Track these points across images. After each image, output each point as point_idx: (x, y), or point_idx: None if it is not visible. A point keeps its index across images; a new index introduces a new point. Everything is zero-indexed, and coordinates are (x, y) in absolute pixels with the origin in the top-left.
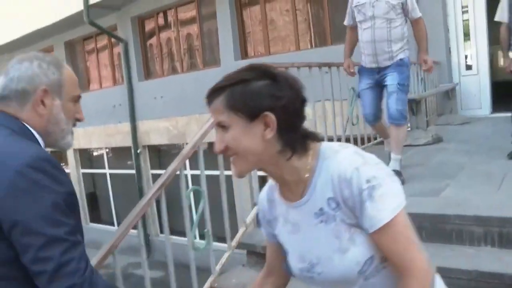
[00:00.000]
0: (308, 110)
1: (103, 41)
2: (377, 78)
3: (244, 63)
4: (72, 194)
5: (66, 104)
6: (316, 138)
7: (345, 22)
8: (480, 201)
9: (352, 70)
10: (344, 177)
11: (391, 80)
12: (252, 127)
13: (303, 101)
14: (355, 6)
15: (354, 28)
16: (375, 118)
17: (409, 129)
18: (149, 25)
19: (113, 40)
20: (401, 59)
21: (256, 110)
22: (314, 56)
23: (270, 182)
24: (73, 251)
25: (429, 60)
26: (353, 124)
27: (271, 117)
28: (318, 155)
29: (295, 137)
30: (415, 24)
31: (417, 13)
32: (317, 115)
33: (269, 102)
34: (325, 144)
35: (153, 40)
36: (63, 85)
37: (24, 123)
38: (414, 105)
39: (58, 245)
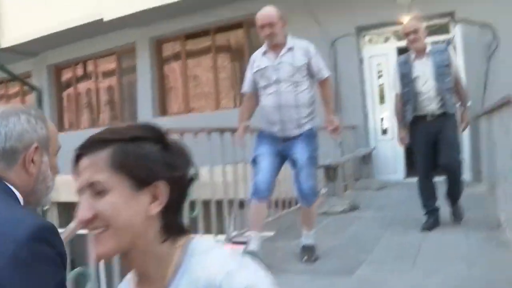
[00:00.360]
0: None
1: (14, 87)
2: (281, 148)
3: (162, 120)
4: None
5: (52, 159)
6: (187, 230)
7: (243, 89)
8: (395, 281)
9: (243, 138)
10: (212, 284)
11: (300, 153)
12: (138, 196)
13: (191, 179)
14: (257, 71)
15: (252, 95)
16: (267, 188)
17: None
18: (67, 75)
19: (26, 87)
20: (309, 129)
21: (149, 177)
22: (235, 116)
23: (127, 277)
24: None
25: (335, 120)
26: None
27: (163, 189)
28: (186, 250)
29: (177, 219)
30: (323, 84)
31: (325, 74)
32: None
33: (164, 171)
34: (197, 239)
35: (70, 91)
36: (49, 140)
37: (7, 182)
38: (331, 172)
39: None
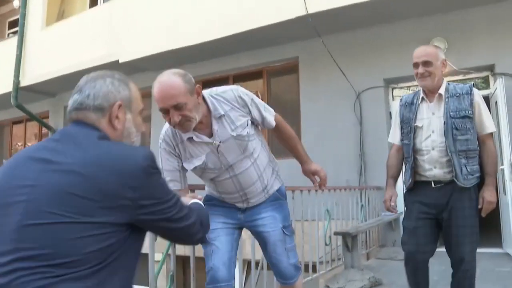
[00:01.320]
0: None
1: (33, 127)
2: (242, 219)
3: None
4: None
5: (136, 117)
6: None
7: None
8: None
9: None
10: None
11: (272, 224)
12: None
13: None
14: (192, 169)
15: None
16: (228, 273)
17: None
18: None
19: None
20: (278, 190)
21: None
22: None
23: None
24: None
25: (319, 169)
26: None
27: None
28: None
29: None
30: (276, 129)
31: (272, 118)
32: None
33: None
34: None
35: None
36: (132, 100)
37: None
38: (349, 240)
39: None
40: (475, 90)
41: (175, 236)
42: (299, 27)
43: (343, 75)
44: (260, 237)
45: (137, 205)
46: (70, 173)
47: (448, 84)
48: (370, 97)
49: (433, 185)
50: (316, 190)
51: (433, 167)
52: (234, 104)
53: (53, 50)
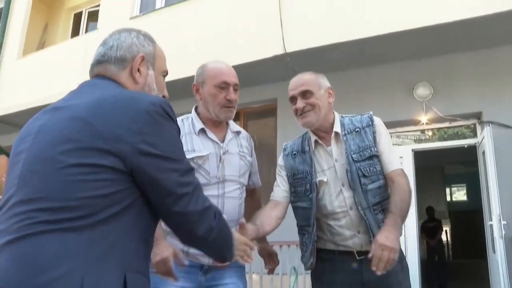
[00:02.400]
0: None
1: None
2: (203, 283)
3: None
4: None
5: (158, 76)
6: None
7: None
8: None
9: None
10: None
11: None
12: None
13: None
14: (189, 157)
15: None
16: None
17: None
18: None
19: None
20: None
21: None
22: None
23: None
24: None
25: (275, 254)
26: None
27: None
28: None
29: None
30: (253, 193)
31: (259, 179)
32: None
33: None
34: None
35: None
36: (156, 58)
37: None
38: None
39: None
40: (376, 119)
41: (177, 214)
42: (278, 67)
43: None
44: None
45: (135, 150)
46: (73, 118)
47: (342, 117)
48: None
49: (357, 257)
50: (289, 246)
51: (356, 233)
52: (247, 141)
53: (28, 80)
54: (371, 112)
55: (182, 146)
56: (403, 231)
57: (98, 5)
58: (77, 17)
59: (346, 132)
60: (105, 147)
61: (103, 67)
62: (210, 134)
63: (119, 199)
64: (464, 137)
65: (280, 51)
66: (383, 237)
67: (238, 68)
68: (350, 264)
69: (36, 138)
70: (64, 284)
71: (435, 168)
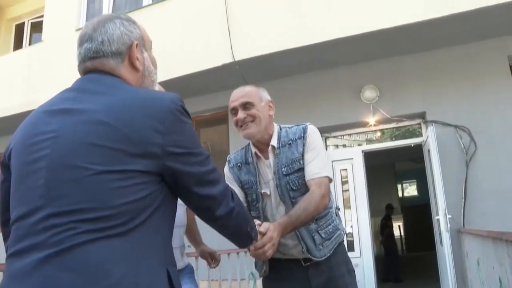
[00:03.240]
0: None
1: None
2: None
3: None
4: None
5: (150, 54)
6: None
7: None
8: None
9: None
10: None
11: None
12: None
13: None
14: None
15: None
16: None
17: None
18: None
19: None
20: (189, 264)
21: None
22: None
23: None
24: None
25: (215, 251)
26: None
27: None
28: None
29: None
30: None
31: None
32: None
33: None
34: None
35: None
36: (144, 37)
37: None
38: None
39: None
40: (310, 128)
41: (204, 197)
42: (228, 75)
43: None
44: None
45: (165, 151)
46: (95, 122)
47: (280, 129)
48: None
49: (303, 263)
50: (245, 252)
51: (298, 242)
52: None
53: None
54: (308, 123)
55: (197, 136)
56: (356, 227)
57: (41, 16)
58: (19, 28)
59: (280, 145)
60: (135, 151)
61: (100, 62)
62: None
63: (152, 200)
64: (411, 136)
65: (229, 60)
66: (266, 226)
67: (189, 78)
68: (297, 272)
69: (56, 144)
70: None
71: (386, 165)
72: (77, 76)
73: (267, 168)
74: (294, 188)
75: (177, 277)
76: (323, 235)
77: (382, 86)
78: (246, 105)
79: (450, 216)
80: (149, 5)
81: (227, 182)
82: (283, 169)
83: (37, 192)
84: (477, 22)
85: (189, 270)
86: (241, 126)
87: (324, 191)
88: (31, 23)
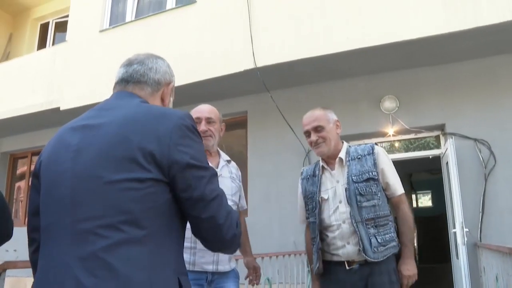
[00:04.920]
0: None
1: None
2: None
3: None
4: None
5: (170, 103)
6: None
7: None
8: None
9: None
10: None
11: None
12: None
13: None
14: None
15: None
16: None
17: None
18: (22, 165)
19: None
20: (235, 269)
21: None
22: None
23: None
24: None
25: (258, 267)
26: None
27: None
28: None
29: None
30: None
31: (245, 204)
32: None
33: None
34: None
35: (22, 183)
36: (173, 89)
37: None
38: None
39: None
40: (378, 149)
41: (205, 216)
42: (248, 81)
43: (292, 131)
44: None
45: (173, 161)
46: (110, 134)
47: (350, 146)
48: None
49: (347, 266)
50: (263, 258)
51: (346, 243)
52: (236, 170)
53: None
54: (374, 143)
55: (204, 153)
56: None
57: (66, 16)
58: (44, 27)
59: (350, 158)
60: (147, 160)
61: (140, 87)
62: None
63: (165, 209)
64: (429, 148)
65: (250, 66)
66: (405, 269)
67: (209, 82)
68: (341, 274)
69: (77, 158)
70: None
71: (403, 176)
72: (99, 75)
73: (331, 177)
74: (362, 193)
75: (188, 286)
76: (379, 240)
77: (401, 97)
78: (317, 128)
79: (467, 230)
80: (172, 8)
81: (298, 194)
82: (353, 177)
83: (64, 201)
84: (499, 35)
85: (234, 275)
86: (314, 146)
87: (407, 206)
88: (56, 23)
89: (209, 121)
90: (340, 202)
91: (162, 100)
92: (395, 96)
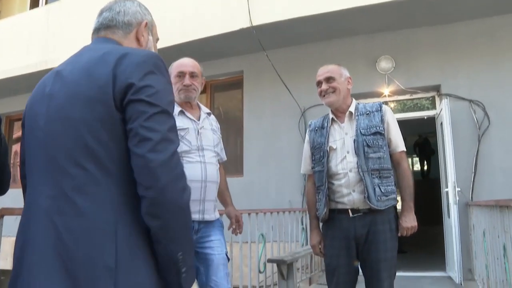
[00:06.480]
0: None
1: None
2: (193, 239)
3: None
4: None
5: (154, 42)
6: None
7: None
8: None
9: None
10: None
11: (219, 248)
12: None
13: None
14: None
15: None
16: None
17: None
18: (19, 128)
19: None
20: (219, 219)
21: None
22: None
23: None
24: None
25: (240, 216)
26: (260, 272)
27: None
28: None
29: None
30: (221, 166)
31: (224, 155)
32: None
33: None
34: None
35: (19, 147)
36: (153, 25)
37: None
38: (284, 268)
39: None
40: (385, 107)
41: (138, 152)
42: (244, 40)
43: (288, 91)
44: (204, 260)
45: (130, 99)
46: (76, 76)
47: (358, 103)
48: (316, 115)
49: (351, 214)
50: (257, 213)
51: (351, 191)
52: (216, 122)
53: None
54: (382, 101)
55: (171, 99)
56: None
57: None
58: None
59: (359, 113)
60: (108, 99)
61: (111, 31)
62: (188, 114)
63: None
64: (424, 109)
65: (246, 24)
66: (404, 221)
67: (204, 41)
68: (345, 222)
69: (50, 102)
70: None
71: None
72: None
73: (340, 130)
74: (369, 145)
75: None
76: (382, 190)
77: (398, 58)
78: (329, 79)
79: (459, 189)
80: None
81: (305, 145)
82: (362, 130)
83: (39, 144)
84: None
85: (219, 224)
86: (324, 95)
87: (407, 163)
88: None
89: (192, 75)
90: (348, 152)
91: (138, 40)
92: (392, 57)
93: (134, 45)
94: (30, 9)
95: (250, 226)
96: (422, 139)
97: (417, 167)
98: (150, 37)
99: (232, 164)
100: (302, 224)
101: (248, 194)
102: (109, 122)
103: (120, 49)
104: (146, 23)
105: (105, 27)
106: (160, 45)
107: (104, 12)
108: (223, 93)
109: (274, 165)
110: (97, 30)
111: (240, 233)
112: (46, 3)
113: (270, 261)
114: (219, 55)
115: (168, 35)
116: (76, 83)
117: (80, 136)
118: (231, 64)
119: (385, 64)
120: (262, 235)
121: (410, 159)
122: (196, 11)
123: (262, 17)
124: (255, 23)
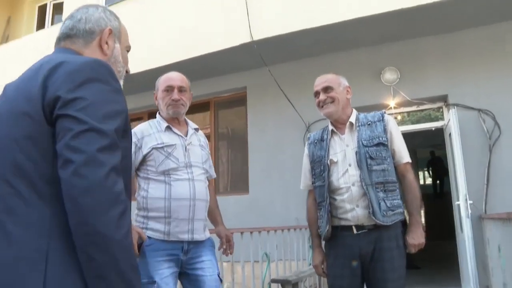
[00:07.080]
0: None
1: None
2: (184, 262)
3: None
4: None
5: (123, 51)
6: None
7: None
8: None
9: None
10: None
11: (210, 269)
12: None
13: None
14: (159, 147)
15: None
16: None
17: None
18: None
19: None
20: (209, 238)
21: None
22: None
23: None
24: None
25: (231, 235)
26: None
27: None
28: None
29: None
30: (211, 183)
31: (213, 173)
32: None
33: None
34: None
35: None
36: (121, 32)
37: None
38: None
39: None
40: (387, 116)
41: (62, 176)
42: (245, 55)
43: (292, 106)
44: (195, 282)
45: (56, 113)
46: (15, 91)
47: (359, 114)
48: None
49: (355, 231)
50: (260, 232)
51: (355, 206)
52: (204, 138)
53: None
54: (384, 111)
55: (110, 111)
56: None
57: None
58: (42, 9)
59: (360, 124)
60: (39, 114)
61: (71, 41)
62: (175, 130)
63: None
64: (432, 120)
65: (247, 39)
66: (411, 238)
67: (205, 58)
68: (349, 239)
69: None
70: None
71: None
72: None
73: (341, 142)
74: (372, 157)
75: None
76: (388, 204)
77: (402, 68)
78: (327, 89)
79: (471, 202)
80: None
81: (304, 159)
82: (364, 141)
83: None
84: (503, 1)
85: (210, 243)
86: (322, 106)
87: (413, 175)
88: (53, 4)
89: (181, 89)
90: (350, 165)
91: (101, 48)
92: (396, 68)
93: (98, 54)
94: (36, 30)
95: (254, 245)
96: (435, 157)
97: (430, 180)
98: (117, 45)
99: (237, 181)
100: (309, 242)
101: (254, 211)
102: (39, 139)
103: (60, 58)
104: (111, 30)
105: (65, 37)
106: (160, 63)
107: (67, 21)
108: (227, 110)
109: (279, 181)
110: (58, 40)
111: (231, 253)
112: (52, 24)
113: (274, 281)
114: (221, 71)
115: (167, 53)
116: (12, 98)
117: (10, 154)
118: (234, 81)
119: (389, 75)
120: (266, 254)
121: (421, 173)
122: (196, 27)
123: (263, 31)
124: (256, 38)
